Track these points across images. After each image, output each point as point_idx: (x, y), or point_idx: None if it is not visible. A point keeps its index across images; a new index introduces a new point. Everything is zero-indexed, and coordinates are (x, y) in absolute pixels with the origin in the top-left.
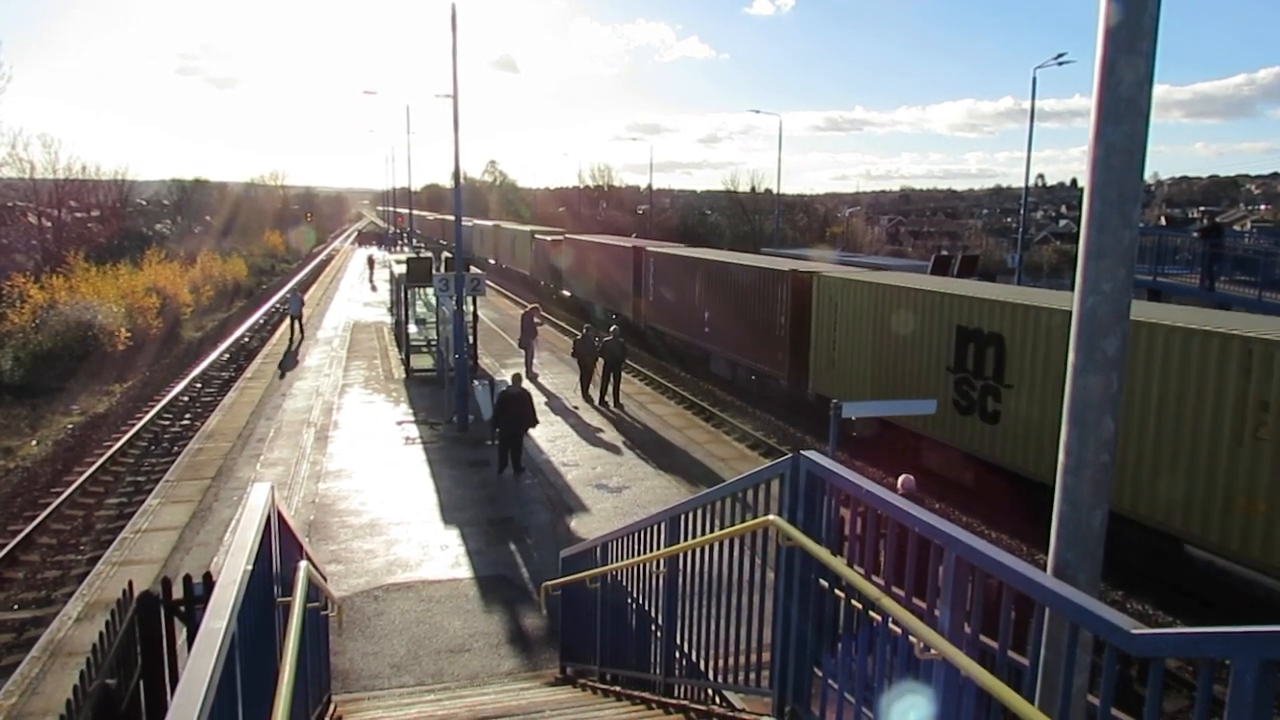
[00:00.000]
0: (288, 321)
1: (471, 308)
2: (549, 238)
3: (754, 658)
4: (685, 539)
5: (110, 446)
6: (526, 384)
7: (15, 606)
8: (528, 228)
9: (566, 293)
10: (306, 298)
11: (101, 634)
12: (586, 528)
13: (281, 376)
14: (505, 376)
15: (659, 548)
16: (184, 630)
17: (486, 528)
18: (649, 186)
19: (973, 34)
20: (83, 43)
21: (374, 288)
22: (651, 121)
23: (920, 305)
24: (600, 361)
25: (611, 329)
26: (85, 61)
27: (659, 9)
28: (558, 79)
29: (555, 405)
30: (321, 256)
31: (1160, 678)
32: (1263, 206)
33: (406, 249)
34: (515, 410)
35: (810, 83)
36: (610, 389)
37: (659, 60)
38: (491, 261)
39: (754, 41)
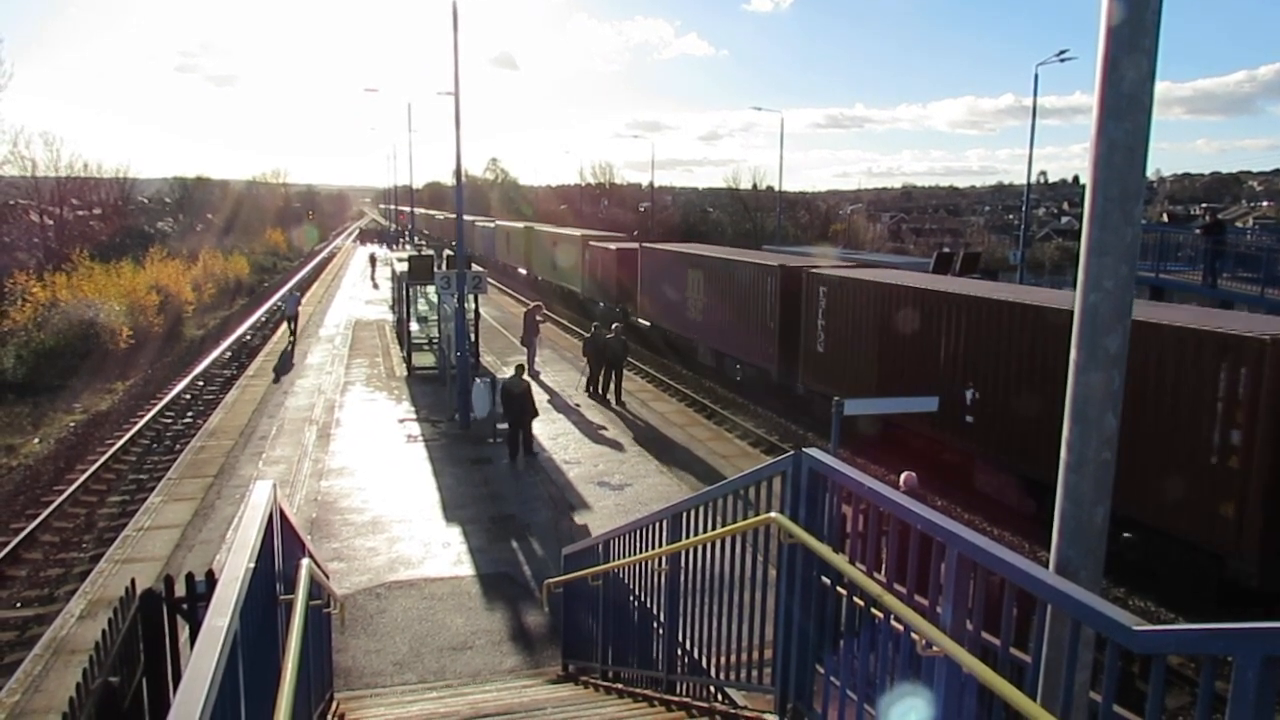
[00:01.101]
0: (285, 324)
1: (473, 305)
2: (611, 245)
3: (756, 655)
4: (687, 536)
5: (112, 444)
6: (525, 378)
7: (18, 604)
8: (577, 231)
9: (643, 321)
10: (308, 296)
11: (104, 632)
12: (588, 525)
13: (276, 381)
14: (507, 374)
15: (661, 545)
16: (186, 628)
17: (488, 525)
18: (650, 184)
19: (973, 31)
20: (81, 42)
21: (376, 285)
22: (652, 119)
23: None
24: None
25: (614, 326)
26: (84, 60)
27: (657, 5)
28: (557, 76)
29: (557, 403)
30: (323, 254)
31: (1162, 675)
32: (1265, 203)
33: (408, 247)
34: (518, 405)
35: (810, 80)
36: (612, 386)
37: (658, 57)
38: (522, 272)
39: (753, 38)
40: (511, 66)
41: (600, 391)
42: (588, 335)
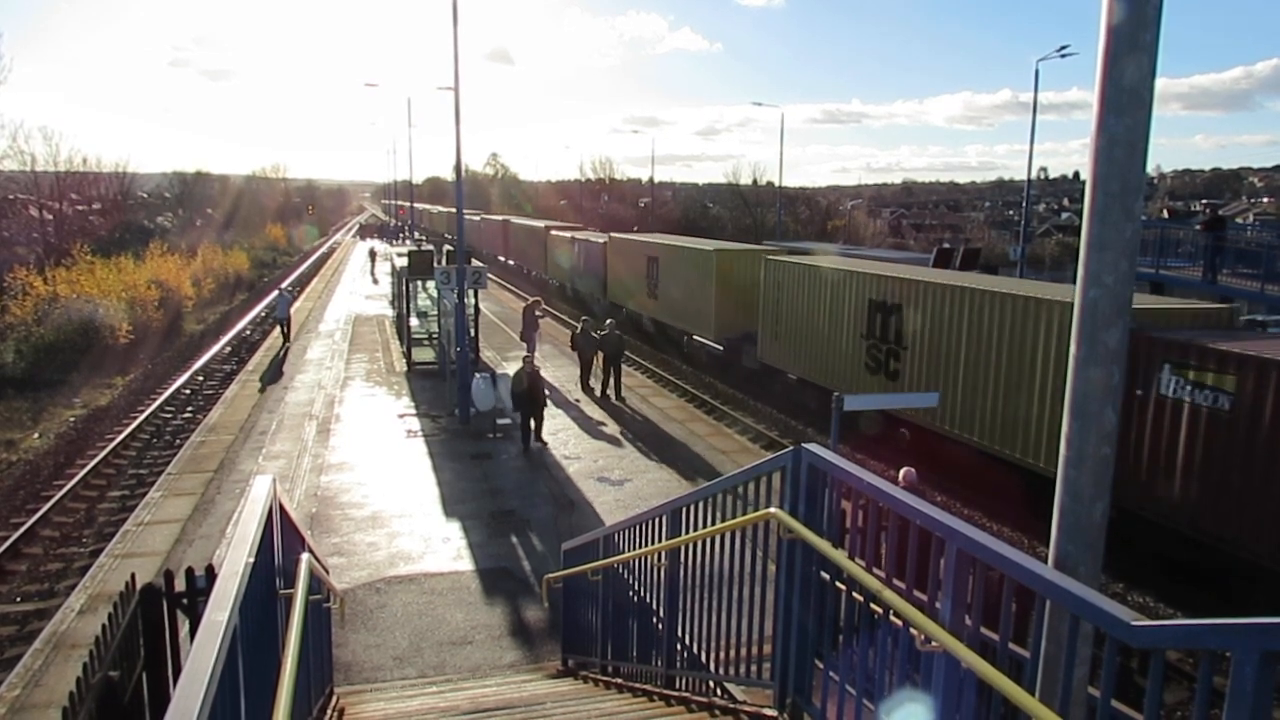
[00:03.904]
0: (278, 328)
1: (473, 301)
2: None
3: (755, 650)
4: (687, 532)
5: (112, 439)
6: (534, 366)
7: (18, 599)
8: (944, 277)
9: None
10: (307, 291)
11: (104, 626)
12: (588, 520)
13: (261, 391)
14: (507, 370)
15: (660, 541)
16: (186, 623)
17: (488, 520)
18: (651, 179)
19: (968, 26)
20: (73, 38)
21: (375, 280)
22: (649, 114)
23: None
24: (600, 354)
25: (608, 322)
26: (78, 56)
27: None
28: (554, 71)
29: (556, 398)
30: (323, 249)
31: (1161, 669)
32: (1265, 199)
33: (408, 242)
34: (529, 394)
35: (806, 75)
36: (611, 382)
37: (653, 52)
38: (709, 343)
39: (747, 32)
40: (508, 62)
41: (602, 388)
42: (575, 330)
